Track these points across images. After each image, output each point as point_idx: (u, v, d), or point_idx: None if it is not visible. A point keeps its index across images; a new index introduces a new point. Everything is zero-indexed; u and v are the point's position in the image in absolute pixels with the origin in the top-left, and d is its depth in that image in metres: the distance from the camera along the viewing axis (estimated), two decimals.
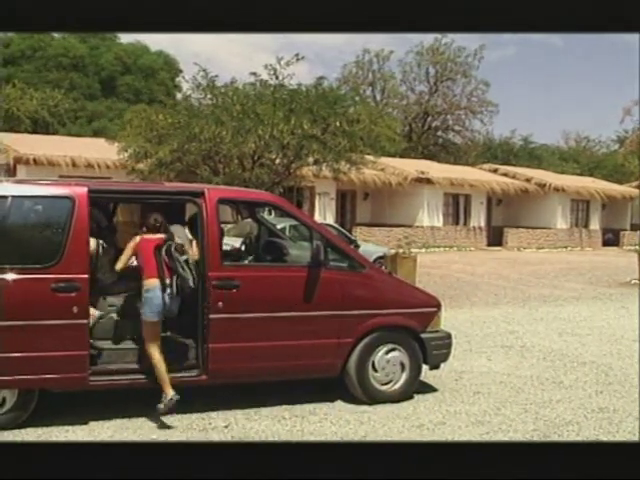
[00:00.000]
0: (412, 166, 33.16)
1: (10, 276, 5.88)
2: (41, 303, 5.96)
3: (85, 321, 6.10)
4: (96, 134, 34.63)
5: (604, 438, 6.20)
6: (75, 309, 6.00)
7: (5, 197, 6.04)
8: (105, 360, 6.47)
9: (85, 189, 6.25)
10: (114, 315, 6.82)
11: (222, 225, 7.76)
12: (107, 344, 6.64)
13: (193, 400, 6.77)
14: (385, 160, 27.98)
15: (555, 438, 6.17)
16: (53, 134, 34.15)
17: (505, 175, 36.50)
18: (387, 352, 7.09)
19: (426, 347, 7.27)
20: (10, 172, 23.81)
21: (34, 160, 23.65)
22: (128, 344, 6.71)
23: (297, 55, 18.31)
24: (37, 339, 5.96)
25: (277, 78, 18.21)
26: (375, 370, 7.04)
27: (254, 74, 18.59)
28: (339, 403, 7.02)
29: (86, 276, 6.10)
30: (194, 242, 6.60)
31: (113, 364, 6.47)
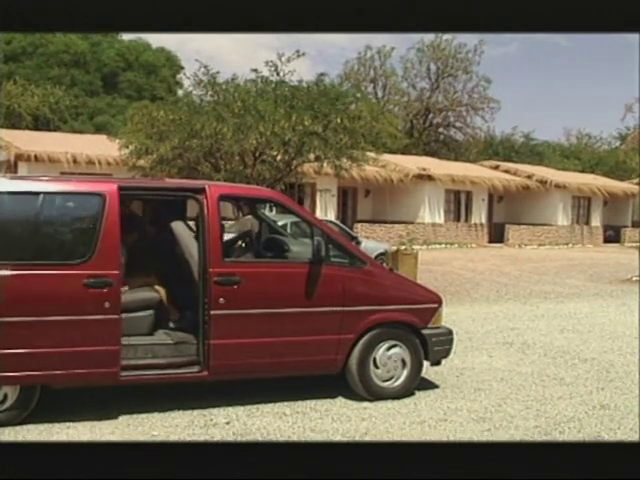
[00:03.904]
0: (413, 163, 33.16)
1: (43, 272, 5.97)
2: (73, 299, 6.06)
3: (116, 316, 6.17)
4: (97, 131, 34.66)
5: (605, 435, 6.21)
6: (107, 304, 6.09)
7: (37, 194, 6.13)
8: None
9: (115, 186, 6.35)
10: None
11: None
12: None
13: (194, 396, 6.79)
14: (386, 157, 28.00)
15: (556, 435, 6.17)
16: (54, 131, 34.15)
17: (506, 172, 36.47)
18: (388, 348, 7.09)
19: (427, 343, 7.27)
20: (11, 169, 23.81)
21: (35, 157, 23.64)
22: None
23: (298, 52, 18.28)
24: (69, 334, 6.05)
25: (278, 75, 18.18)
26: (376, 366, 7.04)
27: (255, 71, 18.58)
28: (340, 399, 7.02)
29: (117, 272, 6.18)
30: None
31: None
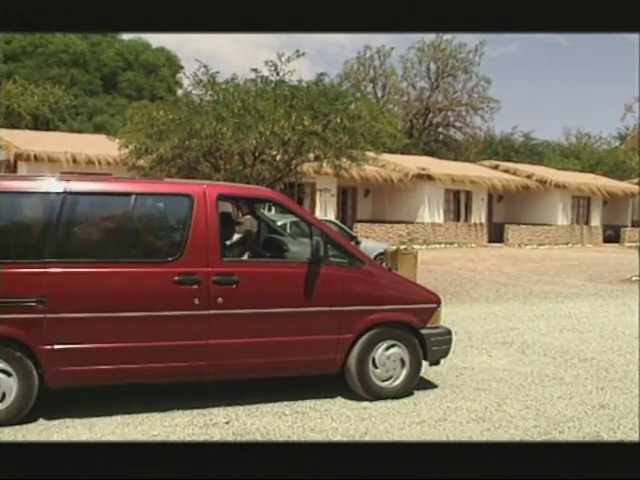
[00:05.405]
0: (413, 162, 33.17)
1: (137, 270, 6.24)
2: (165, 295, 6.28)
3: (206, 312, 6.36)
4: (97, 130, 34.66)
5: (605, 435, 6.21)
6: (196, 301, 6.31)
7: (129, 194, 6.37)
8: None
9: (203, 188, 6.61)
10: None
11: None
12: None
13: (194, 396, 6.79)
14: (386, 156, 27.99)
15: (556, 434, 6.17)
16: (54, 130, 34.17)
17: (506, 171, 36.49)
18: (387, 348, 7.09)
19: (426, 343, 7.27)
20: (10, 169, 23.81)
21: (35, 156, 23.63)
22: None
23: (297, 51, 18.26)
24: (163, 330, 6.29)
25: (278, 74, 18.16)
26: (375, 366, 7.04)
27: (255, 70, 18.57)
28: (339, 399, 7.03)
29: (206, 269, 6.35)
30: None
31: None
